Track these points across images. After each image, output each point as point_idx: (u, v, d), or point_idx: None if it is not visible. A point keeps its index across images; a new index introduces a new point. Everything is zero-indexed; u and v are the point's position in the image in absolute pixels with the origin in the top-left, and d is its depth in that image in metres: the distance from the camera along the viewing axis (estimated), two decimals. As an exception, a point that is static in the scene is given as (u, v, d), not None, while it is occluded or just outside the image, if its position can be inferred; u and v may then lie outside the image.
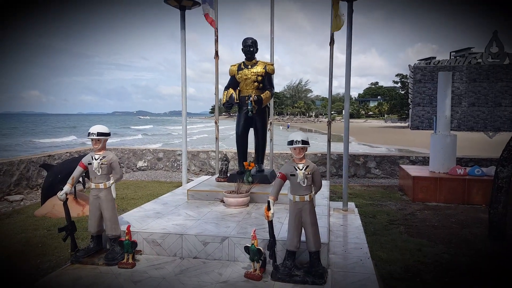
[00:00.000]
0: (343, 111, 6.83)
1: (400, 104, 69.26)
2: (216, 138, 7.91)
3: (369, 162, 10.19)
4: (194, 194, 5.47)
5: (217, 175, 6.60)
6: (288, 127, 65.26)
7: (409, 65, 8.71)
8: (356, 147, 27.70)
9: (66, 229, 3.76)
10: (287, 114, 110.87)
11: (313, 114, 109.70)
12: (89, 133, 3.73)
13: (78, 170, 3.80)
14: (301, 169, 3.36)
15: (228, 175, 6.22)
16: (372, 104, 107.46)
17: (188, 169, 9.92)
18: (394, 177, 9.95)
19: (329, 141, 7.22)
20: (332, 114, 7.20)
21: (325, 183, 5.95)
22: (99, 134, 3.71)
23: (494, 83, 8.07)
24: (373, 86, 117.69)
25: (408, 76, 9.40)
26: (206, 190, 5.48)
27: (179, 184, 8.32)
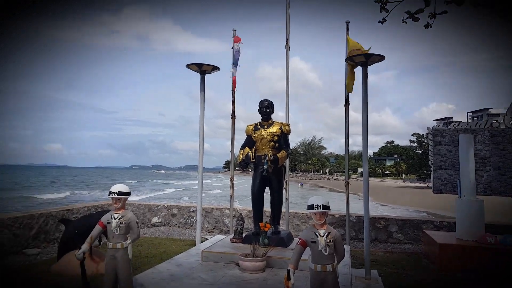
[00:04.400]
0: (361, 171, 6.74)
1: (418, 164, 68.07)
2: (231, 196, 7.88)
3: (390, 226, 9.80)
4: (208, 256, 5.31)
5: (231, 235, 6.45)
6: (301, 185, 64.37)
7: (427, 127, 8.69)
8: (375, 208, 26.82)
9: (80, 290, 3.66)
10: (300, 171, 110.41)
11: (328, 171, 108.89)
12: (110, 192, 3.77)
13: (97, 229, 3.78)
14: (323, 236, 3.23)
15: (243, 235, 6.07)
16: (388, 163, 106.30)
17: (201, 226, 9.76)
18: (418, 243, 9.47)
19: (347, 203, 7.04)
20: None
21: (346, 249, 5.69)
22: (119, 193, 3.75)
23: (519, 147, 7.87)
24: (388, 145, 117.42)
25: (426, 137, 9.34)
26: (221, 252, 5.32)
27: (192, 242, 8.12)
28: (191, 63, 6.61)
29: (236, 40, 7.77)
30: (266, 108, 6.28)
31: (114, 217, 3.73)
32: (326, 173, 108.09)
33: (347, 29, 7.10)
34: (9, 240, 7.14)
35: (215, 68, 6.82)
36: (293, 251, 3.33)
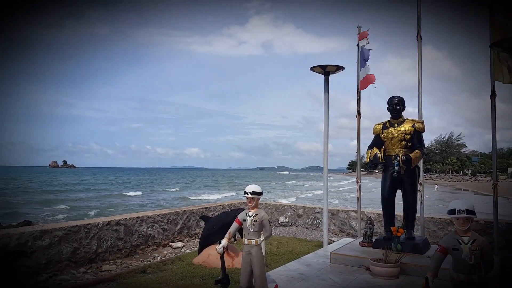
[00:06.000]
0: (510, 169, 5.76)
1: None
2: (358, 198, 7.68)
3: (557, 236, 8.05)
4: (337, 258, 5.30)
5: (360, 239, 6.28)
6: (436, 188, 57.72)
7: None
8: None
9: (221, 281, 4.09)
10: (436, 172, 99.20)
11: (469, 172, 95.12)
12: (245, 191, 4.13)
13: (234, 226, 4.17)
14: (467, 244, 2.92)
15: (373, 240, 5.85)
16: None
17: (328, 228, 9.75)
18: None
19: (495, 208, 6.17)
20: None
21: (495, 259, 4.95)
22: (253, 193, 4.07)
23: None
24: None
25: None
26: (350, 255, 5.25)
27: (319, 244, 8.19)
28: (315, 66, 6.53)
29: (361, 37, 7.40)
30: (396, 105, 5.93)
31: (248, 215, 4.06)
32: (467, 174, 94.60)
33: (490, 10, 6.20)
34: (159, 234, 8.35)
35: (339, 68, 6.62)
36: (431, 258, 3.10)
